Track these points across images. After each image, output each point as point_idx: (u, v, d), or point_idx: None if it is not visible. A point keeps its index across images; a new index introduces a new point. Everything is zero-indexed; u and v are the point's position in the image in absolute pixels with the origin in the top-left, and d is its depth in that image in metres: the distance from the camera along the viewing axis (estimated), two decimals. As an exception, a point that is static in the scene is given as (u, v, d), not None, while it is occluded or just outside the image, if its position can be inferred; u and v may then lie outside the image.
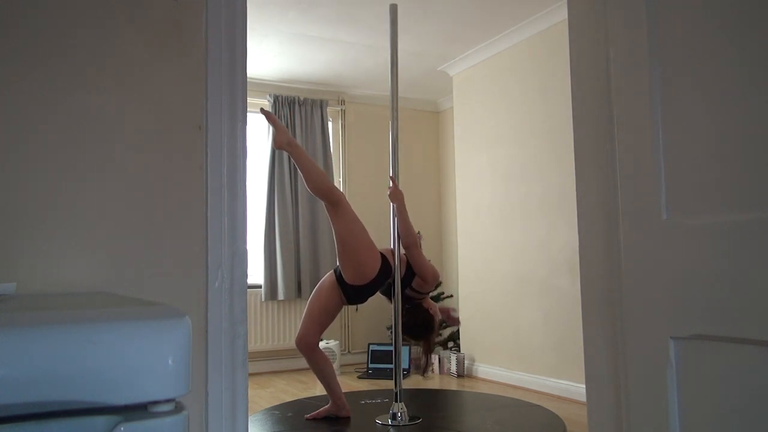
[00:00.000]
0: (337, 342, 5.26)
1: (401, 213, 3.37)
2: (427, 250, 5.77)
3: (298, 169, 3.20)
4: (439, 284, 4.49)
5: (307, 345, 3.35)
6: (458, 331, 5.26)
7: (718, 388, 1.02)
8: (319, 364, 3.38)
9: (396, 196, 3.38)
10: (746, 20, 1.00)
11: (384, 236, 5.02)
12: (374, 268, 3.27)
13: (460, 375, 4.94)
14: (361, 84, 5.72)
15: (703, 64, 1.06)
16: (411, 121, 6.03)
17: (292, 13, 4.16)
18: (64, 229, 1.32)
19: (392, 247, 3.44)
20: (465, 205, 5.14)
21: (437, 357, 5.19)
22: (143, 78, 1.42)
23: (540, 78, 4.39)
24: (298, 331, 3.42)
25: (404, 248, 3.41)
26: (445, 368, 5.10)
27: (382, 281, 3.35)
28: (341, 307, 3.47)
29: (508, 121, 4.70)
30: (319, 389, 4.56)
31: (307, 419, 3.43)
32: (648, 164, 1.14)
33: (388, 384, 3.93)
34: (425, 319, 3.54)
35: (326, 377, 3.40)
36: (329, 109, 5.72)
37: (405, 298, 3.49)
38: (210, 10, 1.49)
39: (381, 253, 3.35)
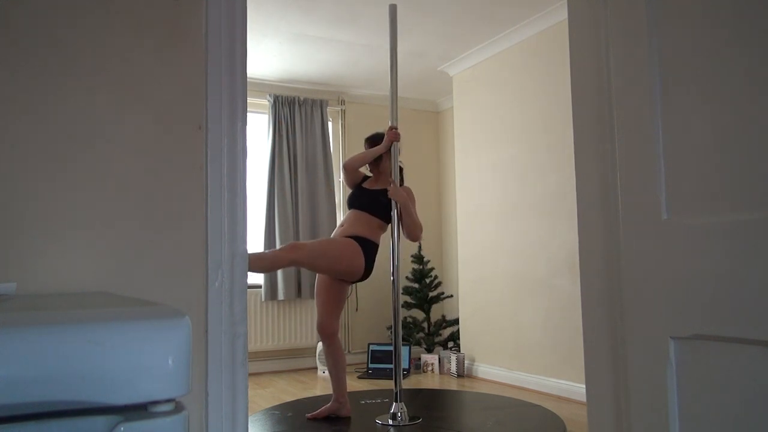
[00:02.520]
0: (337, 342, 5.27)
1: (406, 209, 3.40)
2: (428, 251, 5.78)
3: None
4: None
5: (332, 332, 3.45)
6: (458, 331, 5.26)
7: (718, 388, 1.02)
8: (335, 354, 3.45)
9: (397, 194, 3.40)
10: (746, 20, 1.00)
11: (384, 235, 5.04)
12: (360, 264, 3.32)
13: (460, 375, 4.94)
14: (361, 84, 5.72)
15: (703, 63, 1.06)
16: (411, 121, 6.02)
17: (292, 13, 4.16)
18: (64, 229, 1.32)
19: (392, 243, 3.44)
20: (465, 205, 5.14)
21: (437, 357, 5.19)
22: (143, 78, 1.42)
23: (540, 78, 4.39)
24: (317, 319, 3.49)
25: (410, 239, 3.49)
26: (445, 368, 5.10)
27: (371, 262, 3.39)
28: (348, 287, 3.54)
29: (508, 121, 4.69)
30: (319, 389, 4.56)
31: (308, 418, 3.43)
32: (648, 164, 1.14)
33: (388, 384, 3.93)
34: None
35: (339, 370, 3.46)
36: (329, 109, 5.72)
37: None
38: (210, 10, 1.49)
39: (355, 239, 3.35)
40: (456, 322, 5.35)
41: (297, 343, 5.41)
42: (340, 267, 3.28)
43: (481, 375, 4.88)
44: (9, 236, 1.27)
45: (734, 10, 1.02)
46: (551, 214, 4.23)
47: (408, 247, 5.54)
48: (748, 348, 0.97)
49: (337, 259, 3.26)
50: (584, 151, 1.34)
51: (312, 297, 5.39)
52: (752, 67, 0.98)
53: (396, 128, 3.46)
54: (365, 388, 4.50)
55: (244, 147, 1.52)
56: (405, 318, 5.54)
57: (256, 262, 3.10)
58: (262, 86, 5.38)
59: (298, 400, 4.11)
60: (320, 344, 5.17)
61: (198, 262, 1.44)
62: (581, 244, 1.35)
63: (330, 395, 3.52)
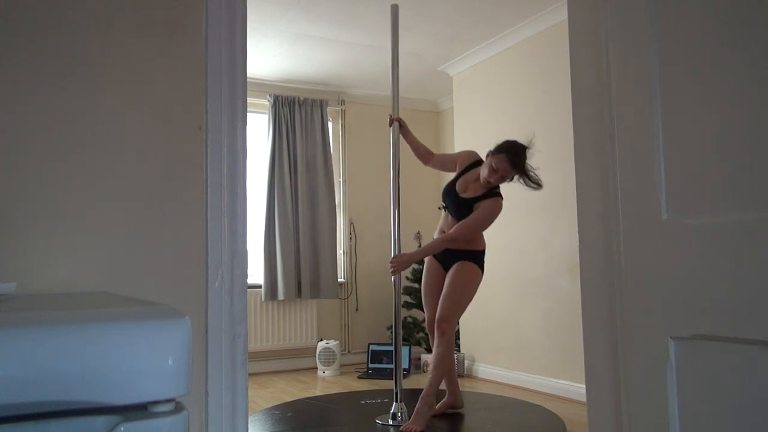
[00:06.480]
0: (337, 342, 5.26)
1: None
2: (427, 250, 5.77)
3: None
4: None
5: (450, 326, 3.38)
6: (458, 331, 5.25)
7: (718, 388, 1.02)
8: (452, 347, 3.39)
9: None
10: (747, 20, 1.00)
11: (383, 233, 5.04)
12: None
13: (460, 375, 4.93)
14: (361, 84, 5.72)
15: (704, 63, 1.06)
16: (411, 121, 6.00)
17: (292, 13, 4.16)
18: (63, 229, 1.32)
19: (393, 244, 3.45)
20: (465, 205, 5.14)
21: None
22: (143, 78, 1.42)
23: (540, 78, 4.39)
24: (436, 313, 3.39)
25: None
26: (445, 368, 5.10)
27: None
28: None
29: (508, 121, 4.69)
30: (319, 389, 4.56)
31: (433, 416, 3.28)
32: (648, 164, 1.14)
33: (388, 384, 3.93)
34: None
35: (451, 363, 3.45)
36: (329, 109, 5.72)
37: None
38: (210, 10, 1.49)
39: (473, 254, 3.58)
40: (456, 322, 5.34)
41: (297, 343, 5.41)
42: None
43: (481, 375, 4.88)
44: (9, 236, 1.27)
45: (734, 10, 1.02)
46: (552, 214, 4.22)
47: (408, 247, 5.54)
48: (748, 348, 0.97)
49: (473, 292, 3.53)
50: (584, 151, 1.34)
51: (312, 297, 5.39)
52: (752, 66, 0.98)
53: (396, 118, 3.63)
54: (365, 388, 4.50)
55: (244, 147, 1.52)
56: (405, 318, 5.53)
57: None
58: (262, 86, 5.38)
59: (298, 400, 4.11)
60: (320, 344, 5.17)
61: (198, 262, 1.44)
62: (581, 244, 1.35)
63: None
